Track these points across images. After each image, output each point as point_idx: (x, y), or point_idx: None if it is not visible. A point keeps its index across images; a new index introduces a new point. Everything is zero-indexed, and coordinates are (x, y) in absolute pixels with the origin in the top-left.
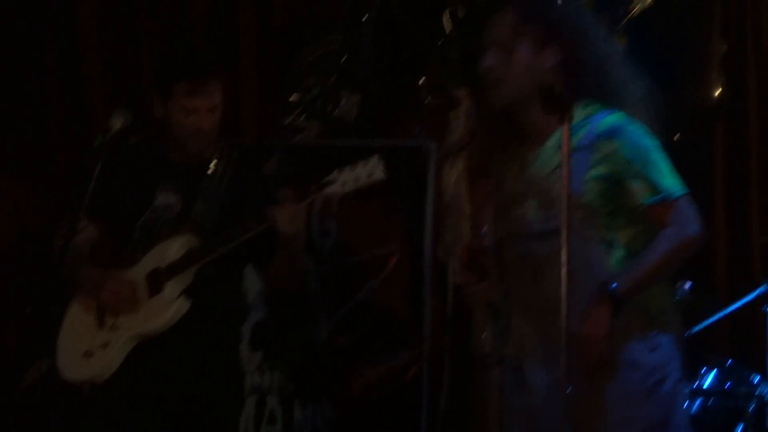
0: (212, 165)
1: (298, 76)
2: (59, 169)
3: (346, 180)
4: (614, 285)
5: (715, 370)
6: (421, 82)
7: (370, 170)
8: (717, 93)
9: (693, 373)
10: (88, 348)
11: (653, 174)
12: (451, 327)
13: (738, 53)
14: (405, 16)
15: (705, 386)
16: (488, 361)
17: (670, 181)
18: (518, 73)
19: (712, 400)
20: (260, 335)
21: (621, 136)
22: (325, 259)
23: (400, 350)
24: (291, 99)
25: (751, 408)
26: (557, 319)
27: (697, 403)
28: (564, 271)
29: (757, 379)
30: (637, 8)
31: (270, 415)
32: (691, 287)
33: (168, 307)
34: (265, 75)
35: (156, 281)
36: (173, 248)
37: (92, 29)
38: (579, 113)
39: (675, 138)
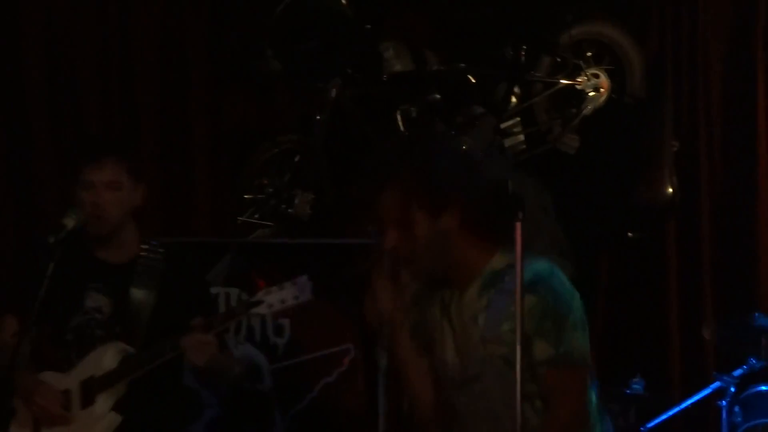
0: (140, 262)
1: (252, 175)
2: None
3: (272, 302)
4: None
5: None
6: None
7: (297, 292)
8: (669, 191)
9: None
10: None
11: (561, 336)
12: (406, 425)
13: (690, 151)
14: (358, 115)
15: None
16: None
17: (575, 347)
18: (425, 248)
19: None
20: None
21: (539, 292)
22: (280, 357)
23: None
24: (245, 197)
25: None
26: None
27: None
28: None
29: None
30: (589, 108)
31: None
32: (644, 384)
33: (98, 423)
34: (219, 174)
35: (89, 392)
36: (108, 356)
37: (45, 129)
38: (503, 258)
39: (629, 235)
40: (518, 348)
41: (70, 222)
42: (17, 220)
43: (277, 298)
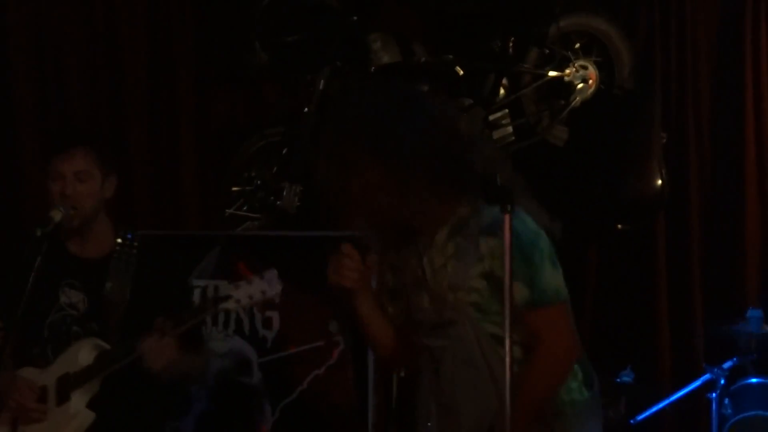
0: (114, 256)
1: (240, 168)
2: None
3: (239, 297)
4: None
5: None
6: None
7: (264, 286)
8: (658, 183)
9: None
10: None
11: (532, 276)
12: (395, 417)
13: (679, 143)
14: None
15: None
16: None
17: (548, 285)
18: (382, 195)
19: None
20: (204, 426)
21: (497, 233)
22: (269, 349)
23: None
24: (233, 190)
25: None
26: (456, 412)
27: None
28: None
29: None
30: (577, 99)
31: None
32: (634, 376)
33: (72, 420)
34: (207, 167)
35: (64, 389)
36: (84, 352)
37: (32, 126)
38: (469, 204)
39: (618, 227)
40: (507, 319)
41: (57, 215)
42: (2, 217)
43: (245, 293)
